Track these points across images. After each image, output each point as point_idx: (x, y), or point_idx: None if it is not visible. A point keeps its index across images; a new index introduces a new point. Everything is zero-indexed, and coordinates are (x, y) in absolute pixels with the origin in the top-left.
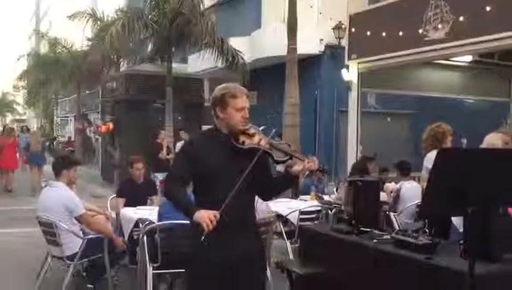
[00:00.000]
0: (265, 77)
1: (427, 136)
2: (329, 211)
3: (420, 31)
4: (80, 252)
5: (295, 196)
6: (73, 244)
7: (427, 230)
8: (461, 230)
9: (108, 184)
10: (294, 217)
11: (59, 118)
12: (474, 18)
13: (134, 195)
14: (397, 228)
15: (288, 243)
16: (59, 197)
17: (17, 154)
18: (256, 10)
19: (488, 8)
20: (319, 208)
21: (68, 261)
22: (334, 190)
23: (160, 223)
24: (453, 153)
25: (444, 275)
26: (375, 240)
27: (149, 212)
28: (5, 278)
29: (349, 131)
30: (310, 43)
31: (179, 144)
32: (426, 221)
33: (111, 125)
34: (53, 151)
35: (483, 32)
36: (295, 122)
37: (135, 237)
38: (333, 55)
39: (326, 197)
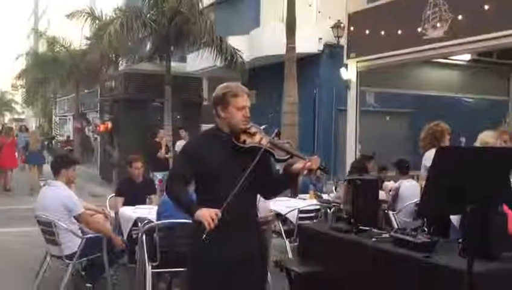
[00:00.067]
0: (264, 75)
1: (425, 135)
2: (328, 210)
3: (419, 29)
4: (78, 251)
5: (294, 194)
6: (72, 243)
7: (425, 229)
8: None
9: (107, 183)
10: (293, 216)
11: (58, 117)
12: (472, 17)
13: (133, 194)
14: (396, 226)
15: (287, 242)
16: (58, 196)
17: (16, 154)
18: (255, 9)
19: (486, 7)
20: (318, 207)
21: (67, 261)
22: (333, 188)
23: (159, 222)
24: (451, 151)
25: (442, 273)
26: (374, 239)
27: (148, 211)
28: (4, 278)
29: (348, 130)
30: (308, 42)
31: (179, 143)
32: (425, 219)
33: (110, 125)
34: (52, 151)
35: (482, 30)
36: (294, 121)
37: (134, 236)
38: (332, 54)
39: (325, 196)
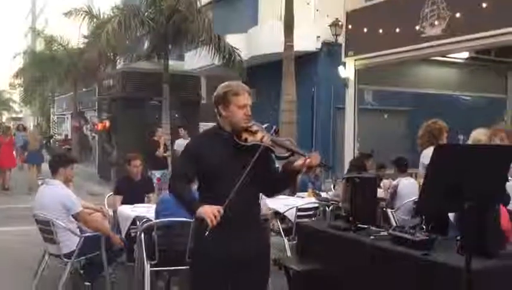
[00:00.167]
0: (262, 74)
1: (423, 133)
2: (327, 208)
3: (417, 27)
4: (77, 250)
5: (292, 193)
6: (70, 242)
7: (424, 226)
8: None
9: (105, 182)
10: (291, 214)
11: (55, 116)
12: (470, 14)
13: (132, 193)
14: (394, 224)
15: (285, 240)
16: (56, 195)
17: (14, 153)
18: (253, 7)
19: (484, 5)
20: (316, 205)
21: (65, 259)
22: (332, 186)
23: (157, 220)
24: (449, 149)
25: (440, 271)
26: (372, 237)
27: (146, 210)
28: (2, 277)
29: (346, 128)
30: (306, 40)
31: (178, 141)
32: (423, 217)
33: (108, 123)
34: (50, 149)
35: (480, 28)
36: (292, 119)
37: (132, 234)
38: (330, 52)
39: (323, 194)
